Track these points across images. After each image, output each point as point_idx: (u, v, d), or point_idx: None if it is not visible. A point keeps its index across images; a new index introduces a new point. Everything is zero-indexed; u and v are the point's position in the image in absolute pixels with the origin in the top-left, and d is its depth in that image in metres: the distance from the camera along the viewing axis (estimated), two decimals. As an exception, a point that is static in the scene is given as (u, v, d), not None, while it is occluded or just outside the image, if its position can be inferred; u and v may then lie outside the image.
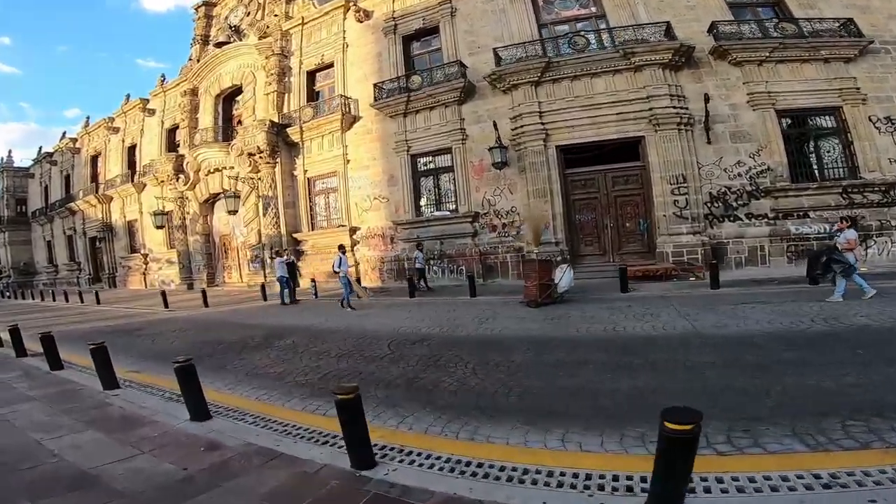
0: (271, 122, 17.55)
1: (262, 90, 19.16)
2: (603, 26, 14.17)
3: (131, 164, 26.65)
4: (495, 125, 13.86)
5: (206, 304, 13.58)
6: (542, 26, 14.69)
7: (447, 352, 6.08)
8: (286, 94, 18.91)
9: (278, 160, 18.00)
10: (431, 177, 15.74)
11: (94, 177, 29.72)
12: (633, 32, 13.13)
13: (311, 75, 18.78)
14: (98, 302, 17.47)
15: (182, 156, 20.97)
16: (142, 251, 25.46)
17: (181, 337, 8.82)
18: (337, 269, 10.95)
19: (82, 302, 18.60)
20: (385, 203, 16.02)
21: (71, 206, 30.02)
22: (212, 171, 19.75)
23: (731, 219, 12.95)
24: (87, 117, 30.80)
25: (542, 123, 13.59)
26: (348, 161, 16.81)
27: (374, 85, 16.03)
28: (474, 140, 14.68)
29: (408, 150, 15.58)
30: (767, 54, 12.80)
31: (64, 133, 33.67)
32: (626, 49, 12.83)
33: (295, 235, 17.97)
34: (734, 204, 12.97)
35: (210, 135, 19.73)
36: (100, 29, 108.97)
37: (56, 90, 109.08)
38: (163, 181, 21.53)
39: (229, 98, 21.53)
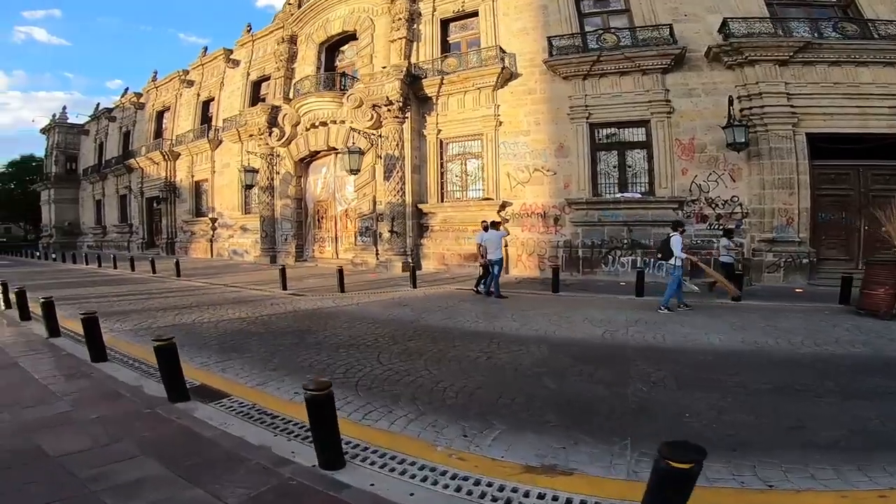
0: (407, 68, 14.74)
1: (382, 37, 16.47)
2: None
3: (205, 119, 24.14)
4: (731, 101, 11.02)
5: (342, 287, 10.56)
6: (768, 4, 12.11)
7: None
8: (415, 43, 16.14)
9: (408, 115, 15.13)
10: (615, 151, 12.82)
11: (159, 133, 27.33)
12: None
13: (444, 24, 16.00)
14: (178, 273, 14.47)
15: (277, 107, 18.28)
16: (210, 215, 22.84)
17: (469, 362, 5.02)
18: (680, 254, 7.83)
19: (155, 272, 15.49)
20: (550, 177, 13.06)
21: (130, 162, 27.63)
22: (316, 124, 16.99)
23: None
24: (155, 71, 28.49)
25: (792, 107, 10.96)
26: (500, 123, 13.90)
27: (549, 39, 13.17)
28: (682, 115, 11.83)
29: (587, 118, 12.68)
30: None
31: (126, 89, 31.42)
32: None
33: (420, 206, 15.08)
34: None
35: (315, 84, 16.94)
36: (144, 1, 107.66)
37: (100, 61, 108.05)
38: (251, 135, 18.87)
39: (333, 47, 18.85)
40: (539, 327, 6.71)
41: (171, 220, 25.52)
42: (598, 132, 12.86)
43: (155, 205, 27.23)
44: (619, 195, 12.44)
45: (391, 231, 15.11)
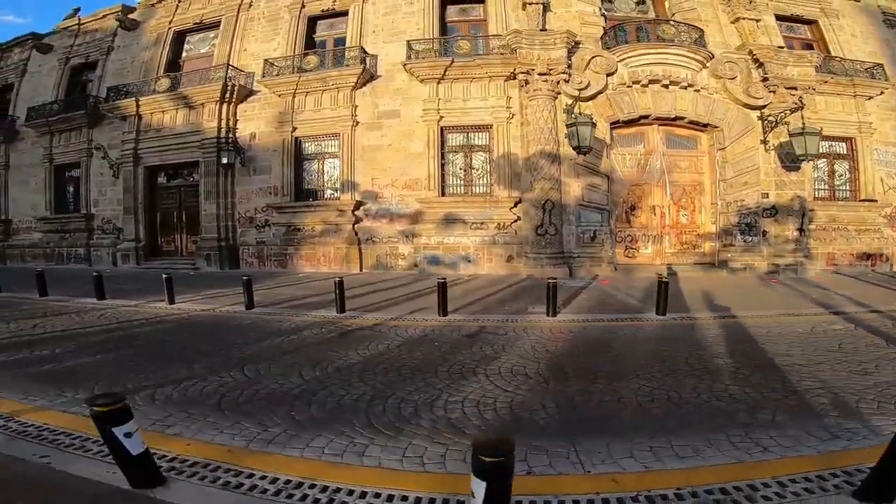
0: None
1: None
2: None
3: (310, 42, 15.41)
4: None
5: None
6: None
7: None
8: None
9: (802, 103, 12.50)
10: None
11: (175, 65, 16.63)
12: None
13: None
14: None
15: (577, 42, 12.39)
16: (348, 196, 14.16)
17: None
18: None
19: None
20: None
21: (121, 104, 15.92)
22: (662, 82, 11.99)
23: None
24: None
25: None
26: (873, 131, 14.00)
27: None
28: None
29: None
30: None
31: (77, 9, 18.70)
32: None
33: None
34: None
35: (676, 33, 11.93)
36: None
37: None
38: (526, 73, 12.12)
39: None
40: None
41: (225, 207, 15.31)
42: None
43: (164, 180, 16.24)
44: None
45: (800, 229, 12.14)
